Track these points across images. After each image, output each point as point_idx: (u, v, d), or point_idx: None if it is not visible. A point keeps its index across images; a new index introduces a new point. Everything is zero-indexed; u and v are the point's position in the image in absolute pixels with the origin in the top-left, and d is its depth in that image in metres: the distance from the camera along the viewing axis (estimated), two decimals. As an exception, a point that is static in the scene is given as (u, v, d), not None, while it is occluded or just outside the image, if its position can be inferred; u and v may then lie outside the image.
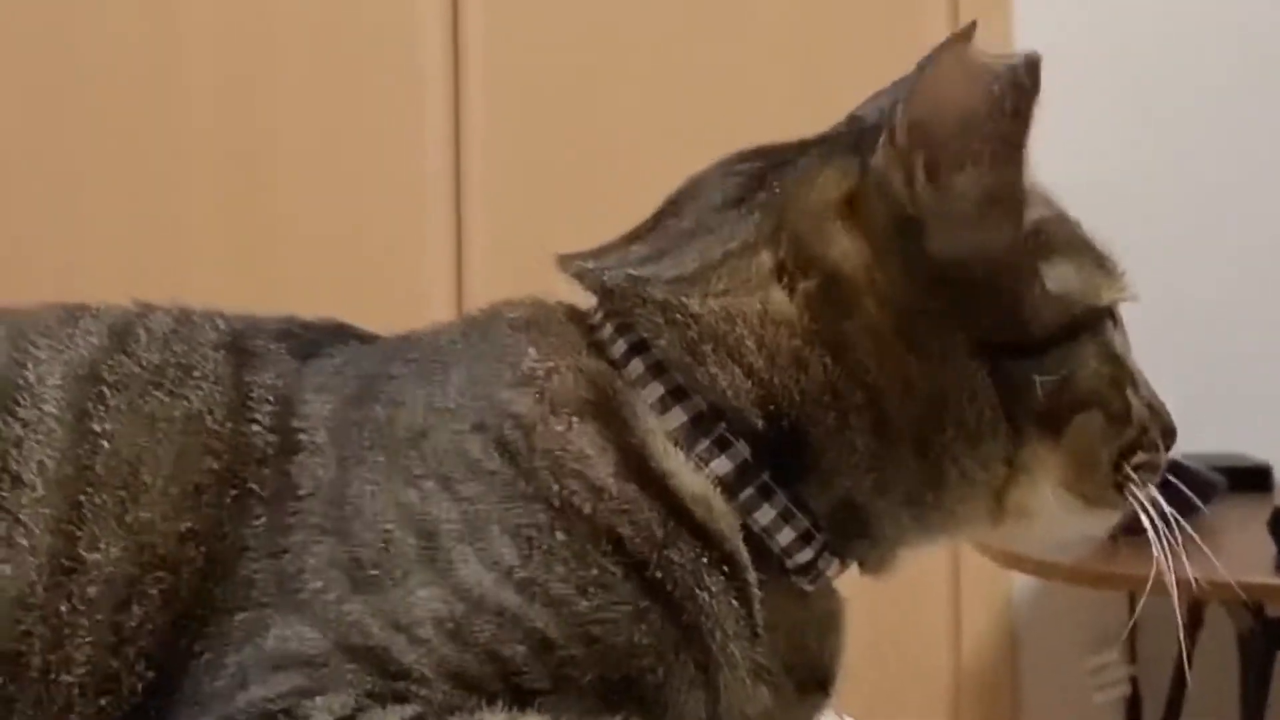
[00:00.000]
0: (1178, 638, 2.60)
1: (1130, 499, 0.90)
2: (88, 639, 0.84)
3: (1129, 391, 0.91)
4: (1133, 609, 2.70)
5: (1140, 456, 0.91)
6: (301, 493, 0.87)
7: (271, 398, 0.90)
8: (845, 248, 0.87)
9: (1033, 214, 0.90)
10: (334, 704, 0.79)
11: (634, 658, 0.83)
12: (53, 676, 0.84)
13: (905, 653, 2.65)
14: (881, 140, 0.87)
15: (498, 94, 2.55)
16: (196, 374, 0.91)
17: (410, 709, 0.79)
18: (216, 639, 0.84)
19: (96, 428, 0.88)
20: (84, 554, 0.85)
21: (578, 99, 2.55)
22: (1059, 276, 0.89)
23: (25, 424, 0.88)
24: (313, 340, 0.95)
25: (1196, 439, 2.57)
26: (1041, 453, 0.88)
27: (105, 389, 0.90)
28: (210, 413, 0.90)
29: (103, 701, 0.83)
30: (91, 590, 0.84)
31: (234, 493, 0.87)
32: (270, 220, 2.50)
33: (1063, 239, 0.90)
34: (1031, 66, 0.87)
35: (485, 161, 2.54)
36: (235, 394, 0.90)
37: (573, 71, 2.57)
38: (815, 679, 0.91)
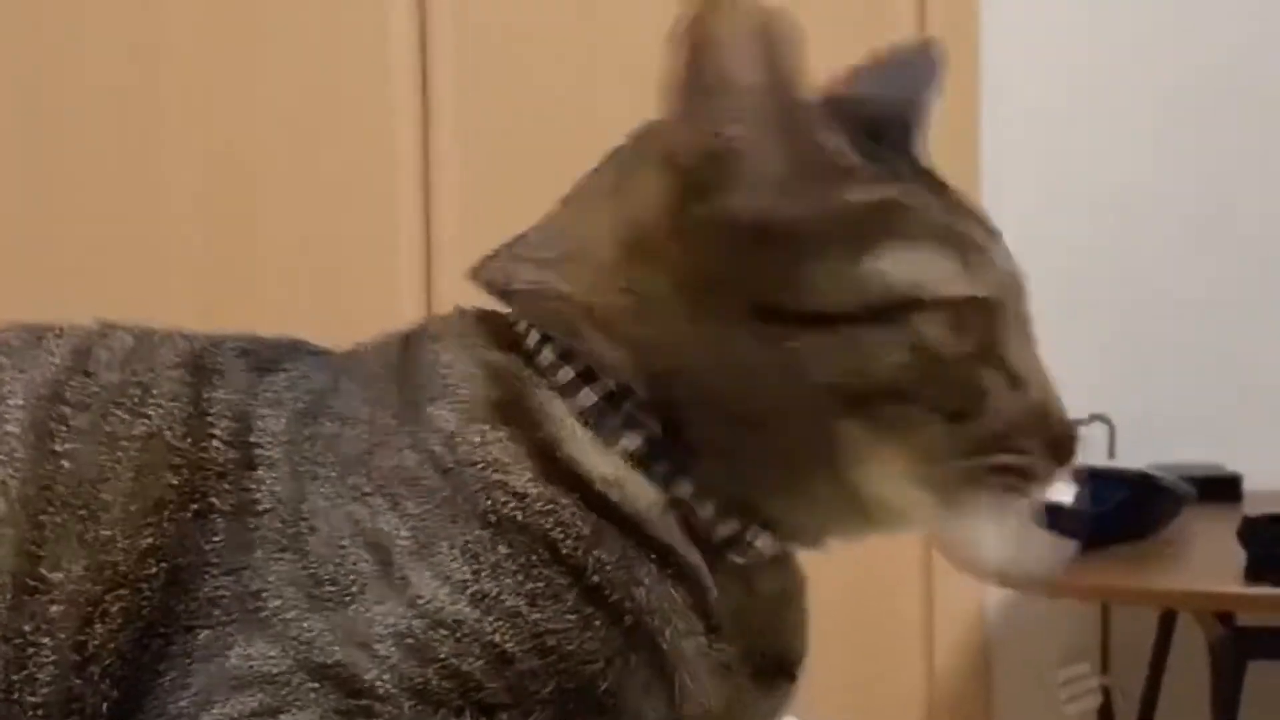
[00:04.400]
0: (1149, 648, 2.61)
1: (980, 499, 0.86)
2: (51, 658, 0.83)
3: (984, 390, 0.85)
4: (1105, 620, 2.71)
5: (1001, 458, 0.86)
6: (260, 509, 0.86)
7: (230, 413, 0.90)
8: (650, 204, 0.86)
9: (871, 193, 0.86)
10: None
11: (587, 665, 0.82)
12: (16, 697, 0.83)
13: (877, 663, 2.65)
14: (674, 113, 0.86)
15: (467, 101, 2.55)
16: (156, 392, 0.91)
17: None
18: (180, 658, 0.83)
19: (58, 448, 0.88)
20: (46, 574, 0.85)
21: (549, 106, 2.55)
22: (882, 259, 0.85)
23: None
24: (269, 357, 0.95)
25: (1168, 449, 2.60)
26: (860, 438, 0.85)
27: (67, 409, 0.89)
28: (170, 429, 0.89)
29: None
30: (54, 610, 0.84)
31: (195, 507, 0.87)
32: (246, 232, 2.50)
33: (904, 223, 0.86)
34: (777, 19, 0.84)
35: (456, 172, 2.54)
36: (194, 410, 0.90)
37: (544, 80, 2.57)
38: (773, 664, 0.89)
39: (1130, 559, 2.25)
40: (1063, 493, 2.47)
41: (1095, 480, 2.33)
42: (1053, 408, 0.88)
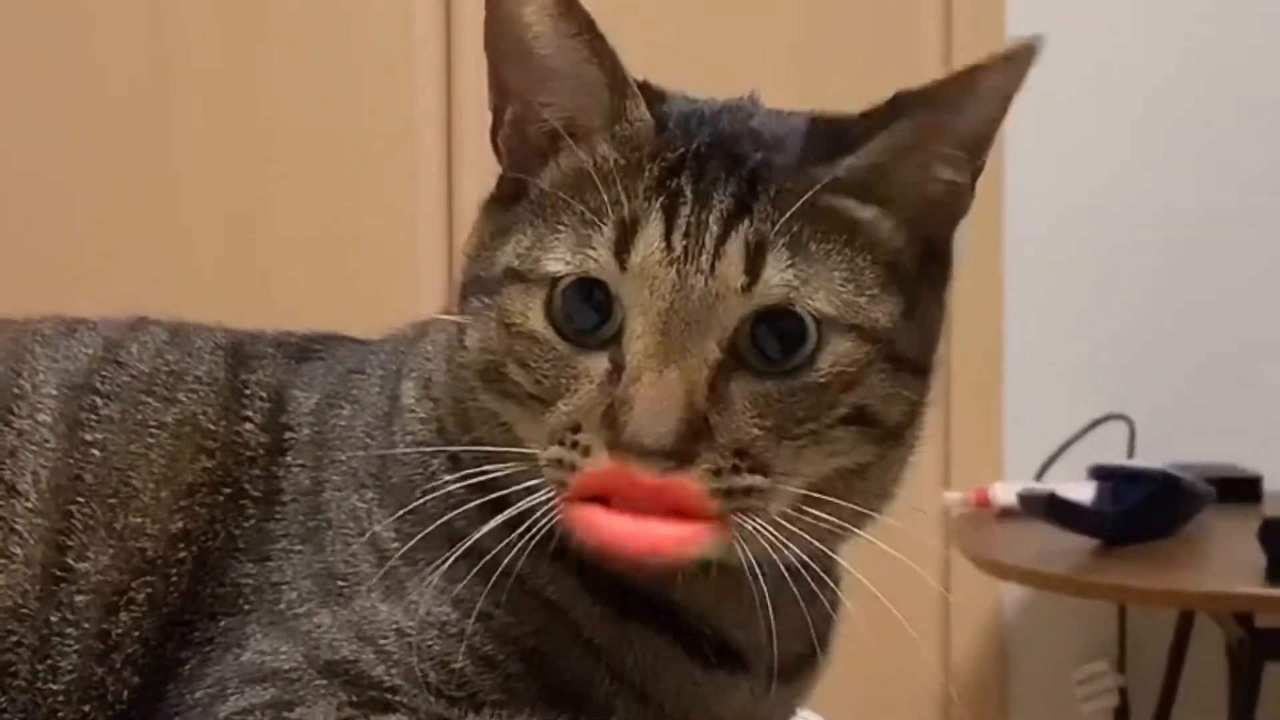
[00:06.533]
0: (1167, 648, 2.60)
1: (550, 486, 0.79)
2: (75, 647, 0.85)
3: (558, 374, 0.79)
4: (1122, 619, 2.71)
5: (554, 450, 0.78)
6: (285, 498, 0.88)
7: (265, 394, 0.92)
8: None
9: (543, 179, 0.83)
10: (315, 715, 0.80)
11: (559, 665, 0.83)
12: (39, 685, 0.84)
13: (895, 661, 2.64)
14: None
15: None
16: (189, 378, 0.92)
17: (396, 718, 0.80)
18: (201, 646, 0.85)
19: (89, 437, 0.89)
20: (74, 564, 0.86)
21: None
22: (516, 239, 0.82)
23: (20, 434, 0.89)
24: (307, 346, 0.96)
25: (1188, 449, 2.59)
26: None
27: (98, 399, 0.91)
28: (204, 412, 0.91)
29: (86, 708, 0.84)
30: (80, 599, 0.85)
31: (228, 491, 0.89)
32: (264, 228, 2.51)
33: (554, 209, 0.81)
34: None
35: (478, 167, 2.54)
36: (230, 393, 0.92)
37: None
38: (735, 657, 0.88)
39: (1149, 559, 2.25)
40: (1082, 492, 2.47)
41: (1115, 480, 2.33)
42: (625, 412, 0.76)
